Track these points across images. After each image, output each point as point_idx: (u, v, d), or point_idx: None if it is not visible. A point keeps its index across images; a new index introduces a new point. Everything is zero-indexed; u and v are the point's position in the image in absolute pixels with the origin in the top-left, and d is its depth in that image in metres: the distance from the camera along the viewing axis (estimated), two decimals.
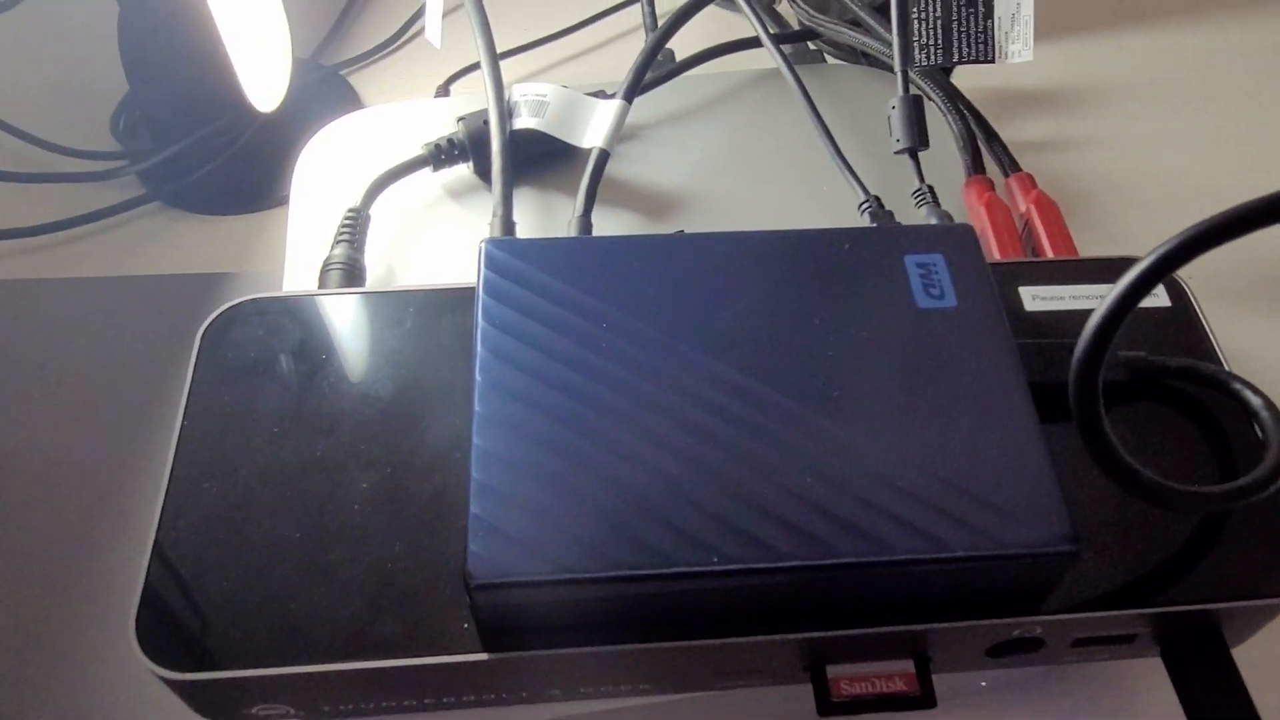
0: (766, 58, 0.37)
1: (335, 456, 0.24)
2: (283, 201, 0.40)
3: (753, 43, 0.39)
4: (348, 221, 0.32)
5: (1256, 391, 0.25)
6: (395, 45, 0.49)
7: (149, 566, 0.22)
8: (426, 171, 0.35)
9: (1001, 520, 0.21)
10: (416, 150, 0.35)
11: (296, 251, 0.34)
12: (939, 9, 0.32)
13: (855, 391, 0.23)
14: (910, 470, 0.22)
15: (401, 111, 0.39)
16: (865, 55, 0.39)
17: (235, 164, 0.42)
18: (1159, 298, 0.28)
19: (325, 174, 0.37)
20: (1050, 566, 0.21)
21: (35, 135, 0.41)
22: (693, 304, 0.24)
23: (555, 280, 0.24)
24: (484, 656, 0.21)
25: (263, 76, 0.40)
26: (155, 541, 0.23)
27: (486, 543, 0.20)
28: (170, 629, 0.22)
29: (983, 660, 0.24)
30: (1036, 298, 0.28)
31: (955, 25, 0.32)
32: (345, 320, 0.27)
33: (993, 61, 0.32)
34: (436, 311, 0.27)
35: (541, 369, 0.23)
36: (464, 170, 0.36)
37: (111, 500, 0.32)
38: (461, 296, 0.27)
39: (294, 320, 0.27)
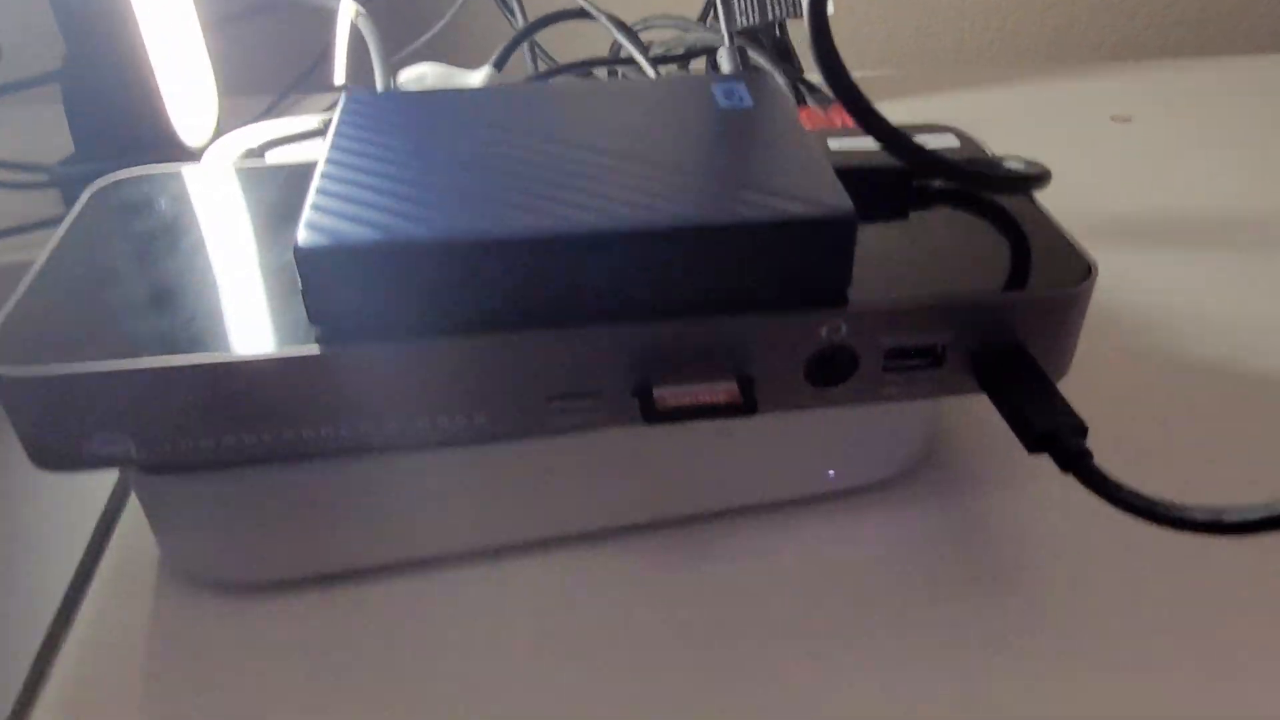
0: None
1: (201, 258, 0.26)
2: None
3: (627, 61, 0.45)
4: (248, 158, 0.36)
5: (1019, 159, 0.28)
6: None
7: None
8: (319, 143, 0.39)
9: (784, 199, 0.24)
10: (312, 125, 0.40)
11: None
12: None
13: (660, 143, 0.26)
14: (704, 169, 0.24)
15: (300, 121, 0.44)
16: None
17: None
18: (949, 140, 0.32)
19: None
20: (833, 236, 0.24)
21: None
22: (524, 115, 0.28)
23: (409, 105, 0.28)
24: (315, 349, 0.23)
25: (191, 116, 0.45)
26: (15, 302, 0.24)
27: (318, 224, 0.23)
28: (14, 347, 0.23)
29: (805, 388, 0.25)
30: (841, 140, 0.32)
31: None
32: (229, 184, 0.30)
33: (799, 16, 0.38)
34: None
35: (386, 144, 0.26)
36: None
37: None
38: None
39: (184, 182, 0.30)
